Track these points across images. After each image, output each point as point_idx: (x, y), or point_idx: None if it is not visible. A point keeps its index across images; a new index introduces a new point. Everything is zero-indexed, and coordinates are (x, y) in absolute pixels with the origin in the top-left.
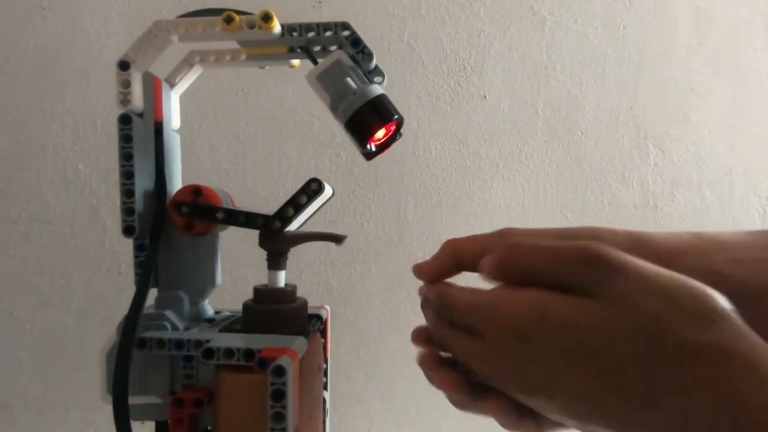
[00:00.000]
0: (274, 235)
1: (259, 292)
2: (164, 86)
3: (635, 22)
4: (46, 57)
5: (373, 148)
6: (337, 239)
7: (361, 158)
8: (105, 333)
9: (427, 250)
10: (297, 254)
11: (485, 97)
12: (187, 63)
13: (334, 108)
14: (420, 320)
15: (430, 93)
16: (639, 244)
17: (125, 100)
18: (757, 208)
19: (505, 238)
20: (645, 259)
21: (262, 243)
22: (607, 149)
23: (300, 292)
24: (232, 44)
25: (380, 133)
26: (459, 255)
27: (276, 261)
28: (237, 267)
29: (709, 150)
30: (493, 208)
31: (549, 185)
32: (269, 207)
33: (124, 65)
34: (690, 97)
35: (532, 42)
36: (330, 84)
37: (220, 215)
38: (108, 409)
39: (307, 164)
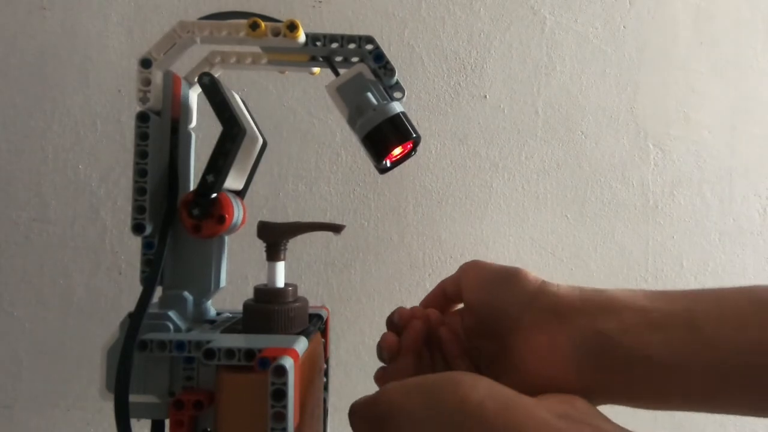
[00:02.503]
0: (269, 226)
1: (259, 291)
2: (183, 84)
3: (635, 22)
4: (46, 57)
5: (388, 164)
6: (336, 228)
7: (361, 158)
8: (105, 333)
9: (427, 250)
10: (297, 254)
11: (485, 97)
12: (207, 62)
13: (351, 121)
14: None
15: (430, 93)
16: (540, 296)
17: (144, 98)
18: (757, 208)
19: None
20: (539, 312)
21: (260, 234)
22: (607, 149)
23: (300, 292)
24: (253, 47)
25: (397, 151)
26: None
27: (275, 252)
28: (237, 267)
29: (709, 150)
30: (493, 208)
31: (549, 185)
32: (269, 207)
33: (146, 63)
34: (690, 97)
35: (532, 42)
36: (350, 97)
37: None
38: (108, 409)
39: (307, 164)
